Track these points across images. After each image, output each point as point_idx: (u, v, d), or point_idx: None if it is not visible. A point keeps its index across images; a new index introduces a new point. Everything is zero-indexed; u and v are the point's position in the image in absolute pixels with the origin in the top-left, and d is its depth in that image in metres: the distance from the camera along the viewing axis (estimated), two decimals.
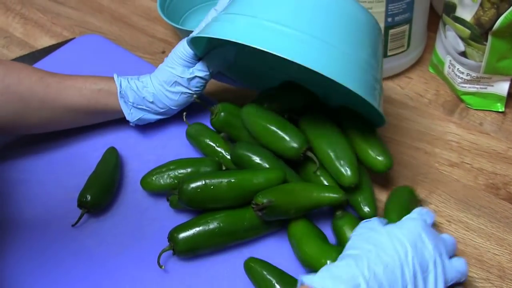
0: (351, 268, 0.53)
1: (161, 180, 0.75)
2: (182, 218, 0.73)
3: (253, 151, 0.73)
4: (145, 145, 0.83)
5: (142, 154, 0.81)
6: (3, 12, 1.09)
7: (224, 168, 0.76)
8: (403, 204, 0.69)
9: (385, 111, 0.84)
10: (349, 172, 0.69)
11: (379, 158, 0.72)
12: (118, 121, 0.83)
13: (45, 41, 1.04)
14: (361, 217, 0.69)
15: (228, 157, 0.76)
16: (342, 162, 0.70)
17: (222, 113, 0.77)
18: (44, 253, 0.72)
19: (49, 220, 0.75)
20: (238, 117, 0.77)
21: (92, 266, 0.70)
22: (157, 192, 0.76)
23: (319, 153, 0.72)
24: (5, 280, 0.69)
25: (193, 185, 0.68)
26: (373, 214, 0.69)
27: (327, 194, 0.68)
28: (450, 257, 0.60)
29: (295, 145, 0.71)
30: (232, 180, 0.69)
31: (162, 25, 1.04)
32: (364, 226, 0.61)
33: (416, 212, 0.62)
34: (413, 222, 0.59)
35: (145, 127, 0.83)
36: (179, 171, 0.75)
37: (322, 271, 0.54)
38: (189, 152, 0.81)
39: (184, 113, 0.81)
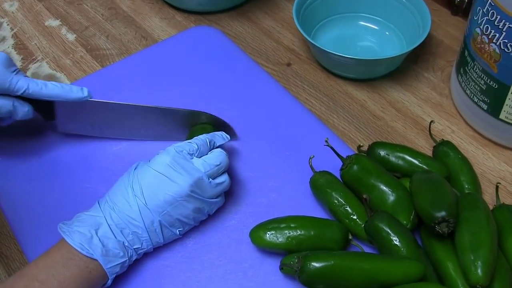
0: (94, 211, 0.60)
1: (277, 238, 0.62)
2: None
3: (393, 228, 0.61)
4: (257, 184, 0.70)
5: (253, 194, 0.69)
6: None
7: (350, 236, 0.64)
8: None
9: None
10: (479, 271, 0.57)
11: None
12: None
13: (154, 22, 0.91)
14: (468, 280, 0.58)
15: (359, 222, 0.64)
16: (476, 255, 0.58)
17: (355, 166, 0.67)
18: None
19: None
20: (371, 174, 0.66)
21: None
22: (268, 250, 0.64)
23: (457, 235, 0.61)
24: None
25: (318, 264, 0.57)
26: None
27: None
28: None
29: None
30: (365, 267, 0.58)
31: (291, 31, 0.89)
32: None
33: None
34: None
35: (260, 166, 0.71)
36: (301, 232, 0.63)
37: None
38: (309, 203, 0.68)
39: (311, 156, 0.68)
